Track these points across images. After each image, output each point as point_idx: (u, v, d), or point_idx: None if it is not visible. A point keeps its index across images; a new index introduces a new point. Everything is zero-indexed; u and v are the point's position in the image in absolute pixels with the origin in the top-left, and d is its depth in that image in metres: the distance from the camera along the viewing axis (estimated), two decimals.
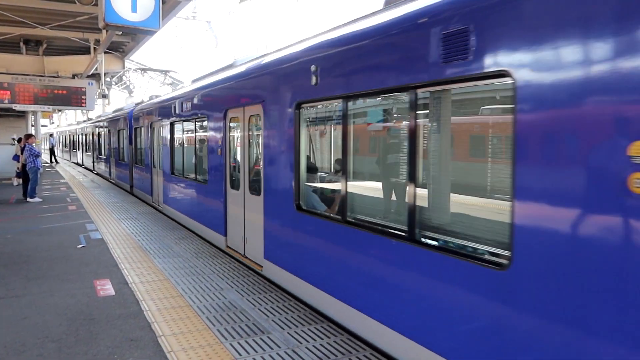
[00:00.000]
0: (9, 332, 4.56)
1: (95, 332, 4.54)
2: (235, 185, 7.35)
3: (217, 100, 7.95)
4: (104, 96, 18.41)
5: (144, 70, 17.12)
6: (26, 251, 7.69)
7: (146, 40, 15.04)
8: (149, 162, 13.13)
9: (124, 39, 15.08)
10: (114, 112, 20.14)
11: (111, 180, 19.79)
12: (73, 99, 16.51)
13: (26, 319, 4.89)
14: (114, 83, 29.96)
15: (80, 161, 32.05)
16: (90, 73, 16.80)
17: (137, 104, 16.70)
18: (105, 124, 20.81)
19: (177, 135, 10.68)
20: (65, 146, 41.85)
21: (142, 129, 14.04)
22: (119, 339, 4.38)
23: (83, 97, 16.57)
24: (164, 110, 11.34)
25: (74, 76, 17.30)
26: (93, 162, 25.64)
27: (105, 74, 17.12)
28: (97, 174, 23.54)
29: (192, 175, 9.49)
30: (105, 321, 4.81)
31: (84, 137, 29.72)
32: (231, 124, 7.47)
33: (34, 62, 16.28)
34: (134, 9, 6.92)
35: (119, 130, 17.57)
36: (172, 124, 10.77)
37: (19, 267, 6.78)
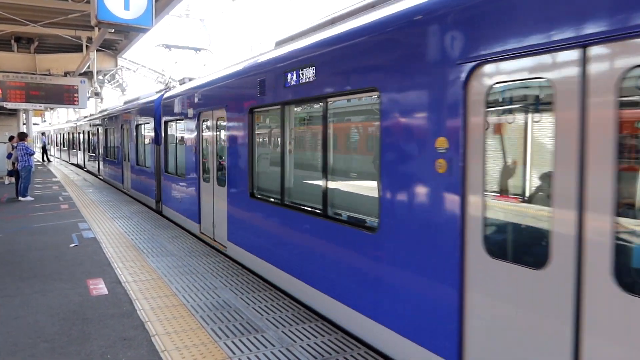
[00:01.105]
0: (1, 332, 4.52)
1: (88, 332, 4.52)
2: (503, 249, 3.16)
3: (420, 54, 3.60)
4: (97, 94, 18.33)
5: (168, 47, 15.84)
6: (18, 251, 7.64)
7: (139, 38, 15.01)
8: (195, 172, 9.02)
9: (117, 37, 15.04)
10: (127, 103, 16.98)
11: (124, 190, 15.89)
12: (65, 97, 16.46)
13: (18, 319, 4.85)
14: (106, 81, 29.84)
15: (81, 163, 27.96)
16: (82, 71, 16.74)
17: (163, 90, 13.14)
18: (117, 118, 16.88)
19: (267, 131, 6.82)
20: (64, 146, 36.81)
21: (181, 123, 10.00)
22: (112, 339, 4.37)
23: (75, 95, 16.53)
24: (235, 91, 7.22)
25: (66, 74, 17.24)
26: (98, 164, 21.42)
27: (97, 71, 17.04)
28: (104, 180, 19.69)
29: (320, 206, 5.06)
30: (98, 321, 4.79)
31: (86, 135, 25.34)
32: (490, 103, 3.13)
33: (25, 60, 16.20)
34: (126, 7, 6.89)
35: (137, 126, 13.88)
36: (251, 114, 6.61)
37: (11, 266, 6.73)
